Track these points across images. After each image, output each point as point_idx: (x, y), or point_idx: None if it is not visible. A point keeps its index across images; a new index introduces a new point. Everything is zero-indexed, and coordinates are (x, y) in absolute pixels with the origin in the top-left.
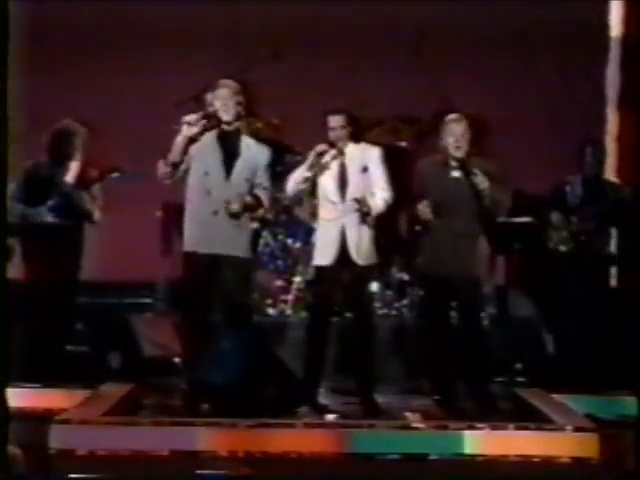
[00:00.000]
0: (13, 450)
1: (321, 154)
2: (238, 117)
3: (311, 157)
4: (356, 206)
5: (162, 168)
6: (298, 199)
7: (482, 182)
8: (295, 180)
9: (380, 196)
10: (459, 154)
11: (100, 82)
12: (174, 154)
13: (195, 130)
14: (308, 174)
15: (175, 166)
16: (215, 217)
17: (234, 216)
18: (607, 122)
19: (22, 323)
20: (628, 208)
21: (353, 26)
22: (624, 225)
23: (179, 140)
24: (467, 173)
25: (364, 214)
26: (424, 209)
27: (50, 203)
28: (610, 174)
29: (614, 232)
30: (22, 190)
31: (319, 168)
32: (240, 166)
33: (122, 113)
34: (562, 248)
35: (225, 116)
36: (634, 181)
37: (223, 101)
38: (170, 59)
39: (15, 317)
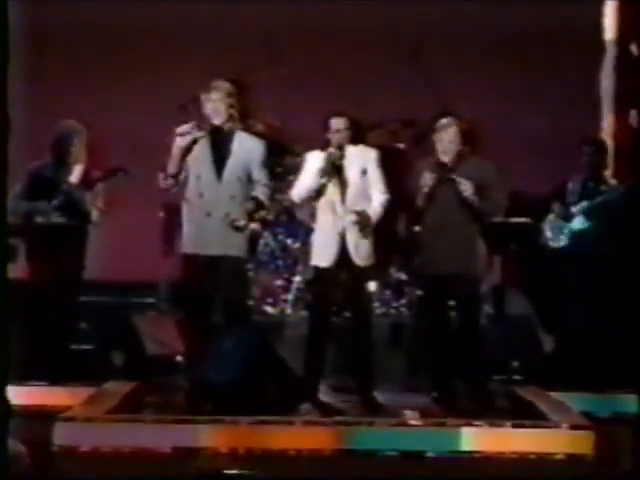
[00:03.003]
0: (17, 447)
1: (333, 159)
2: (230, 119)
3: (324, 163)
4: (355, 218)
5: (163, 181)
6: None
7: (466, 187)
8: (307, 189)
9: (378, 200)
10: (445, 159)
11: (103, 83)
12: (172, 166)
13: (188, 139)
14: (323, 181)
15: (175, 177)
16: (208, 219)
17: (241, 229)
18: (603, 122)
19: (27, 322)
20: (624, 205)
21: (353, 29)
22: (619, 222)
23: (174, 152)
24: (451, 179)
25: (363, 226)
26: (427, 176)
27: (54, 203)
28: (607, 173)
29: (610, 229)
30: (27, 190)
31: (332, 173)
32: (232, 165)
33: (124, 114)
34: (554, 244)
35: (216, 119)
36: (629, 179)
37: (215, 104)
38: (173, 61)
39: (20, 316)
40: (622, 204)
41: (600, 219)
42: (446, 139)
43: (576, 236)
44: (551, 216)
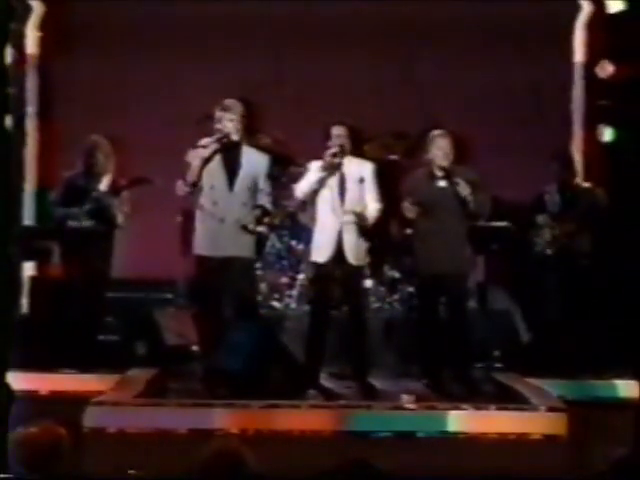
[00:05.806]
0: (58, 429)
1: (334, 155)
2: (241, 135)
3: (326, 159)
4: (354, 218)
5: (182, 188)
6: (308, 201)
7: (464, 189)
8: (309, 181)
9: (373, 207)
10: (445, 163)
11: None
12: (192, 175)
13: (209, 151)
14: (323, 174)
15: (194, 185)
16: (222, 224)
17: (253, 233)
18: (574, 137)
19: (60, 315)
20: (601, 209)
21: (352, 43)
22: (599, 224)
23: (195, 162)
24: (451, 182)
25: (361, 227)
26: (408, 207)
27: (85, 209)
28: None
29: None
30: (62, 197)
31: (332, 169)
32: (242, 177)
33: (146, 126)
34: (547, 251)
35: (235, 137)
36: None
37: (233, 123)
38: (187, 74)
39: (53, 310)
40: (595, 210)
41: (582, 221)
42: (445, 145)
43: (562, 240)
44: (539, 225)
